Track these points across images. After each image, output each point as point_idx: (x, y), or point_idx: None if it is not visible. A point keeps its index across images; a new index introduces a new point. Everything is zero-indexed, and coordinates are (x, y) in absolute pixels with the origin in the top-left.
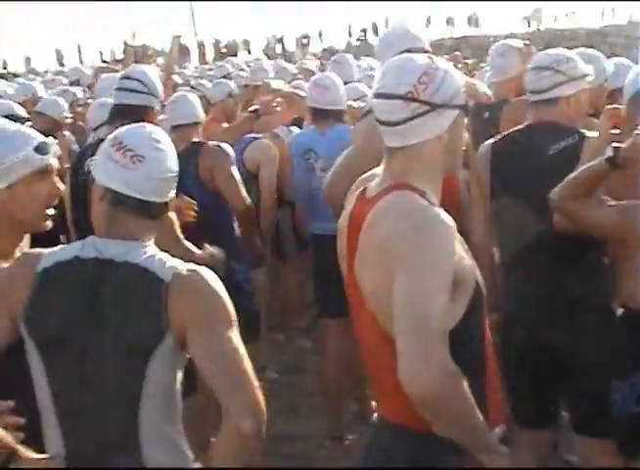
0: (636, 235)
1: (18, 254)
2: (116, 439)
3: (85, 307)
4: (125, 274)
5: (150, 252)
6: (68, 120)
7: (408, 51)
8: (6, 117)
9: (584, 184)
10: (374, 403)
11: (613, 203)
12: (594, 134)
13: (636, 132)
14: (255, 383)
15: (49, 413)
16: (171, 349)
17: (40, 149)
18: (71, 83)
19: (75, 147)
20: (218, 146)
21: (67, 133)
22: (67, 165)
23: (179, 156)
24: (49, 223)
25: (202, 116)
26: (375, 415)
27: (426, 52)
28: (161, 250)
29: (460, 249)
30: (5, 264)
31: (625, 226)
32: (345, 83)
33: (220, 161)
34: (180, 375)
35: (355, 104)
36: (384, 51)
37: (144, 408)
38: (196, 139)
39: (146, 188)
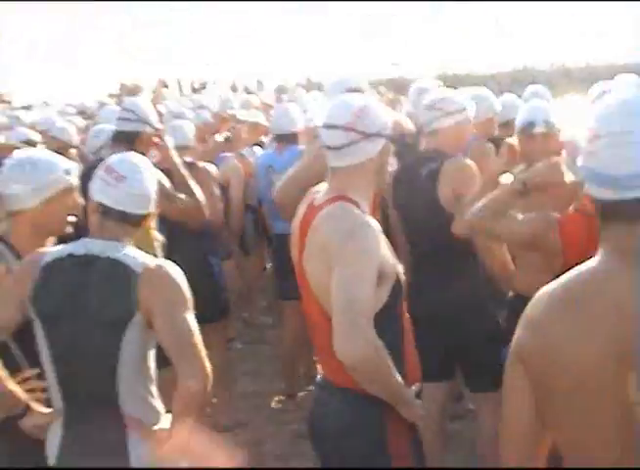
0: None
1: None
2: (100, 395)
3: (75, 291)
4: (106, 266)
5: (127, 250)
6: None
7: (353, 90)
8: (24, 142)
9: (499, 206)
10: (319, 368)
11: (520, 216)
12: (456, 159)
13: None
14: (203, 353)
15: (51, 376)
16: (140, 325)
17: (67, 171)
18: (79, 113)
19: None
20: (205, 167)
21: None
22: None
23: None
24: (70, 228)
25: (192, 140)
26: (319, 377)
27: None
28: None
29: (385, 248)
30: None
31: (533, 233)
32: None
33: (206, 179)
34: (151, 348)
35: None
36: (333, 89)
37: (120, 371)
38: (188, 159)
39: (126, 202)
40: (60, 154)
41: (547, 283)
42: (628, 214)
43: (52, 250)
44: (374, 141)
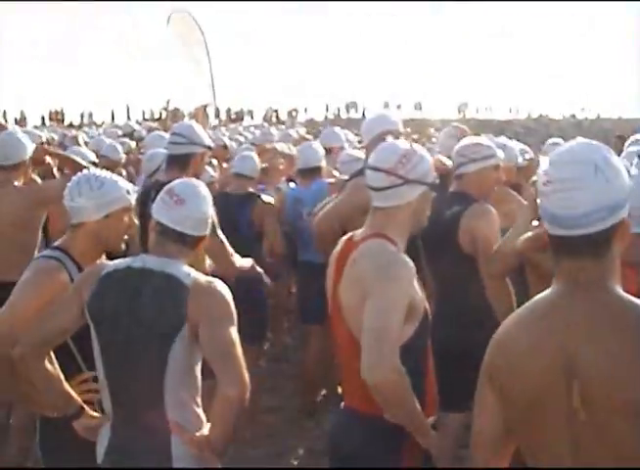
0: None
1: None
2: (148, 401)
3: (129, 301)
4: (160, 280)
5: (180, 266)
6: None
7: (388, 132)
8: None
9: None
10: (340, 391)
11: None
12: (479, 205)
13: None
14: (242, 365)
15: (103, 382)
16: (187, 337)
17: (128, 192)
18: (124, 135)
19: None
20: (270, 201)
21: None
22: None
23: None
24: (123, 246)
25: (258, 171)
26: (343, 403)
27: (400, 133)
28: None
29: (416, 285)
30: None
31: None
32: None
33: (270, 214)
34: (197, 359)
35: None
36: (369, 130)
37: (167, 379)
38: (251, 189)
39: (183, 223)
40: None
41: None
42: (576, 249)
43: (112, 262)
44: (414, 187)
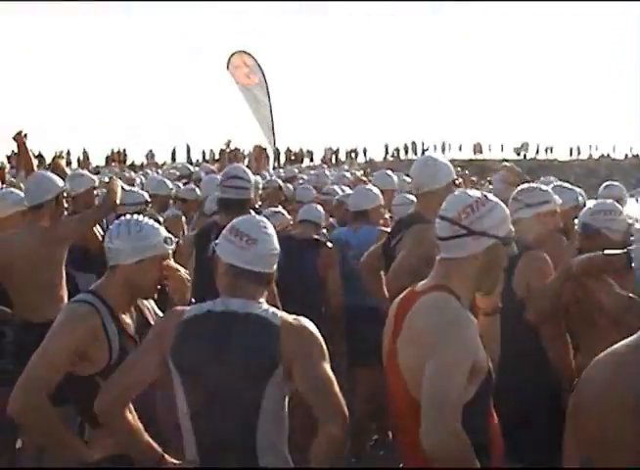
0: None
1: (132, 310)
2: (239, 447)
3: (216, 346)
4: (247, 322)
5: (264, 306)
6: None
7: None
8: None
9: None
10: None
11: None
12: (532, 253)
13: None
14: (342, 401)
15: (187, 427)
16: (281, 376)
17: (166, 241)
18: (181, 176)
19: None
20: (333, 248)
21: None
22: None
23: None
24: (155, 295)
25: (323, 220)
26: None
27: (455, 180)
28: None
29: (479, 343)
30: (127, 317)
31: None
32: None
33: (332, 262)
34: (286, 399)
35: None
36: (427, 182)
37: (261, 423)
38: (315, 236)
39: (258, 262)
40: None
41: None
42: None
43: (191, 307)
44: (479, 239)
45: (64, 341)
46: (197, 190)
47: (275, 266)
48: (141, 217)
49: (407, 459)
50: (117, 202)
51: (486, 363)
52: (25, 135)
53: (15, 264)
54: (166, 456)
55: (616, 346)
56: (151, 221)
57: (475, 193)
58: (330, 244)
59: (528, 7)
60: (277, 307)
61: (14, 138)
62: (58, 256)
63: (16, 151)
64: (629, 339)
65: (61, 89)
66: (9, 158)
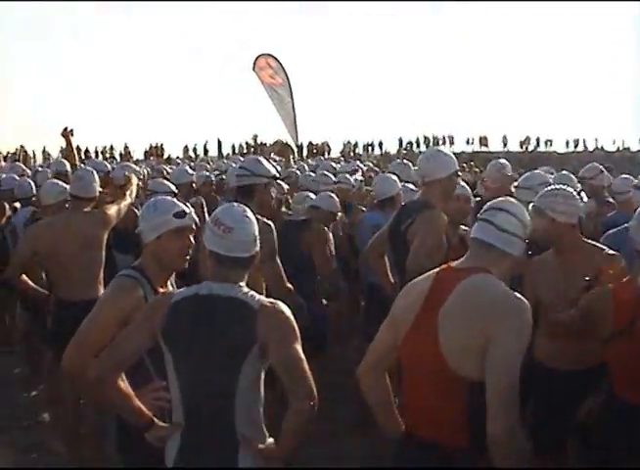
0: None
1: (169, 284)
2: (219, 415)
3: (201, 326)
4: (229, 304)
5: (244, 290)
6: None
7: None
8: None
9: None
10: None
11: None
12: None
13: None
14: (311, 379)
15: (176, 397)
16: (257, 355)
17: (177, 215)
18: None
19: None
20: (321, 229)
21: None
22: None
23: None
24: (185, 265)
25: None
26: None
27: (457, 172)
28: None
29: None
30: (162, 290)
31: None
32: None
33: (316, 239)
34: (262, 376)
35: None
36: (431, 172)
37: (238, 395)
38: (303, 217)
39: (235, 249)
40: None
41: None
42: None
43: (179, 291)
44: (521, 248)
45: (112, 309)
46: (188, 171)
47: (255, 249)
48: (160, 198)
49: (443, 437)
50: (134, 193)
51: None
52: (72, 132)
53: (62, 246)
54: (155, 420)
55: None
56: (164, 199)
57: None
58: (319, 226)
59: (530, 6)
60: (285, 285)
61: (62, 134)
62: (103, 238)
63: (64, 146)
64: None
65: (105, 88)
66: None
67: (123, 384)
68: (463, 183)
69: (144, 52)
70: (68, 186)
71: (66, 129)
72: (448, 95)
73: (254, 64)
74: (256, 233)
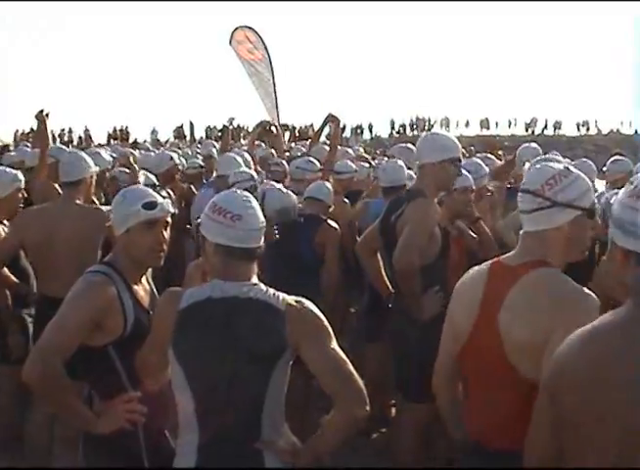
0: None
1: (144, 281)
2: (245, 426)
3: (221, 334)
4: (250, 307)
5: (264, 289)
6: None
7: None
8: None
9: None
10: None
11: None
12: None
13: None
14: (359, 379)
15: (188, 410)
16: (288, 360)
17: (146, 206)
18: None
19: None
20: (334, 227)
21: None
22: None
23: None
24: (159, 261)
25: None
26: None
27: (459, 159)
28: None
29: None
30: (140, 289)
31: None
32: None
33: (331, 239)
34: (288, 378)
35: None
36: (426, 155)
37: (267, 406)
38: (323, 216)
39: (246, 238)
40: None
41: None
42: None
43: (187, 292)
44: (562, 211)
45: (81, 310)
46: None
47: (262, 240)
48: (131, 187)
49: (490, 439)
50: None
51: None
52: (47, 115)
53: (54, 239)
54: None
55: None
56: (135, 188)
57: (557, 165)
58: (332, 222)
59: None
60: None
61: (36, 116)
62: (97, 239)
63: (35, 128)
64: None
65: (60, 68)
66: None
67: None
68: (465, 172)
69: (106, 26)
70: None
71: (41, 112)
72: (445, 75)
73: (231, 37)
74: (264, 222)
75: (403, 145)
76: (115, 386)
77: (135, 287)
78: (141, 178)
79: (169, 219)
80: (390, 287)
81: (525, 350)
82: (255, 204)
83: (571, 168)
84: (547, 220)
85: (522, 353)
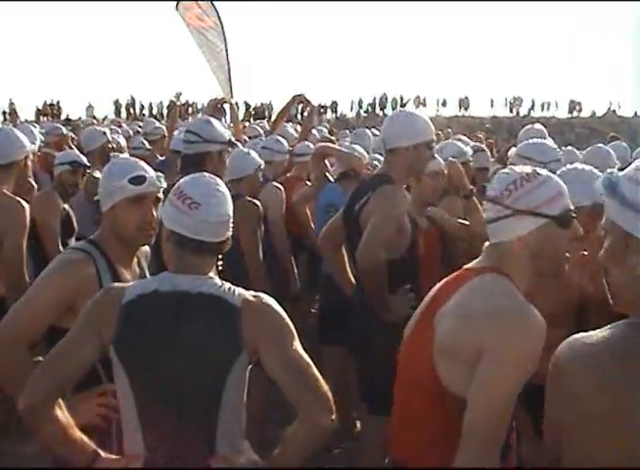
0: None
1: (134, 264)
2: (196, 440)
3: (168, 333)
4: (201, 303)
5: (218, 283)
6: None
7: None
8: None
9: None
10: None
11: None
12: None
13: None
14: (325, 386)
15: (132, 420)
16: (245, 363)
17: (133, 180)
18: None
19: None
20: (251, 202)
21: None
22: None
23: None
24: (149, 240)
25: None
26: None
27: (432, 141)
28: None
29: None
30: (127, 272)
31: None
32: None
33: (247, 216)
34: (246, 386)
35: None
36: (396, 138)
37: (222, 418)
38: (241, 193)
39: (202, 230)
40: None
41: None
42: None
43: (132, 285)
44: (524, 219)
45: (51, 289)
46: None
47: (227, 234)
48: (120, 159)
49: (415, 458)
50: None
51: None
52: None
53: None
54: (102, 453)
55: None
56: (125, 160)
57: (523, 169)
58: (250, 198)
59: None
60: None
61: None
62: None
63: None
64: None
65: None
66: None
67: (61, 413)
68: (435, 155)
69: None
70: None
71: None
72: (418, 50)
73: (178, 1)
74: (230, 212)
75: (362, 130)
76: (90, 376)
77: (120, 269)
78: None
79: (161, 195)
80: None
81: (450, 358)
82: (225, 194)
83: (540, 171)
84: (506, 231)
85: (447, 362)
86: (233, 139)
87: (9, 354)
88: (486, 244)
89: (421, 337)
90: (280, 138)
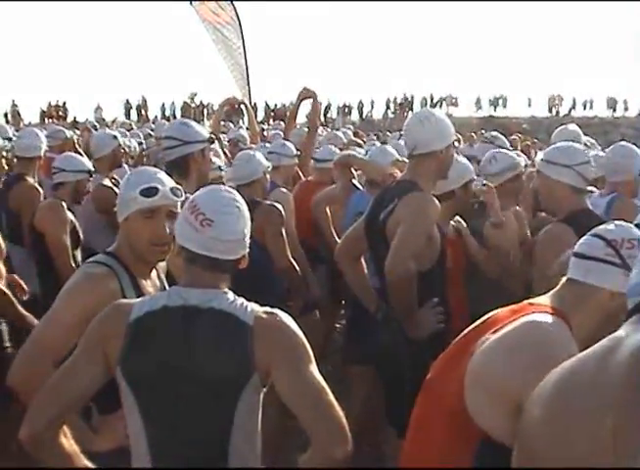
0: None
1: (154, 276)
2: (206, 464)
3: (177, 352)
4: (211, 319)
5: (231, 298)
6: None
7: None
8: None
9: None
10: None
11: None
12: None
13: None
14: (341, 412)
15: (141, 445)
16: (257, 386)
17: (145, 192)
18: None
19: None
20: (272, 205)
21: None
22: None
23: None
24: (162, 257)
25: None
26: None
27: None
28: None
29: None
30: (149, 285)
31: None
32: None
33: (271, 219)
34: (261, 404)
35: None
36: (424, 143)
37: (233, 439)
38: (256, 198)
39: (214, 247)
40: None
41: None
42: None
43: (140, 301)
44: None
45: (76, 306)
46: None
47: (243, 251)
48: (140, 168)
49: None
50: None
51: None
52: None
53: None
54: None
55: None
56: (143, 170)
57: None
58: (269, 202)
59: None
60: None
61: None
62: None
63: None
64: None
65: None
66: None
67: (66, 441)
68: (465, 161)
69: None
70: None
71: None
72: (448, 48)
73: None
74: (246, 231)
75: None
76: (118, 399)
77: (142, 282)
78: None
79: (177, 209)
80: (379, 298)
81: (478, 388)
82: (241, 210)
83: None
84: (602, 276)
85: (478, 396)
86: (212, 136)
87: (35, 373)
88: (564, 279)
89: (458, 357)
90: (287, 142)
